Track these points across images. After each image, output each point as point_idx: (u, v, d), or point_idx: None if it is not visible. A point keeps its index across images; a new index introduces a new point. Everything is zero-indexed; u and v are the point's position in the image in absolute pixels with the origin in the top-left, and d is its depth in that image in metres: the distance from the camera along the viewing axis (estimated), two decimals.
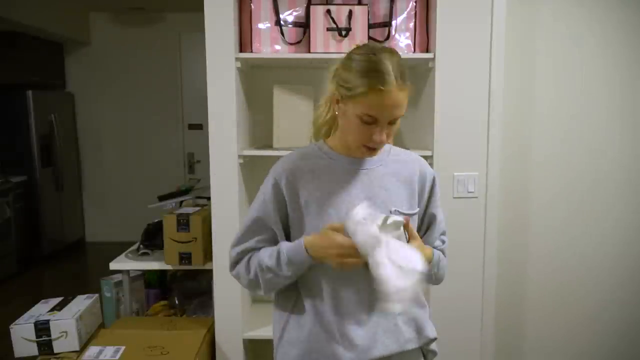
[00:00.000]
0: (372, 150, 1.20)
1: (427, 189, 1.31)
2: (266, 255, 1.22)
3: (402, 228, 1.13)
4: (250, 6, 1.95)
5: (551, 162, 2.29)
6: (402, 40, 2.00)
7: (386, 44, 1.98)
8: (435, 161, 1.98)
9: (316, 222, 1.20)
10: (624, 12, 2.21)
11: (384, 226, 1.09)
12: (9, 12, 4.30)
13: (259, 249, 1.26)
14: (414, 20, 1.99)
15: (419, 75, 2.18)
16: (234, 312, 2.04)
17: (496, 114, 1.99)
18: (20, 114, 4.88)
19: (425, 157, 1.99)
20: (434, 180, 1.32)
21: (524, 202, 2.30)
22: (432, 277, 1.31)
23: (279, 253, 1.20)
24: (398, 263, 1.04)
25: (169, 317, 2.29)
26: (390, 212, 1.21)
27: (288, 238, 1.25)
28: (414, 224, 1.26)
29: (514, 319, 2.37)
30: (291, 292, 1.27)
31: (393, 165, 1.28)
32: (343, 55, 1.21)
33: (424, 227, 1.34)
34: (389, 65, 1.10)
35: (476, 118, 1.99)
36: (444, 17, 1.92)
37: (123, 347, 1.92)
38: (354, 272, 1.15)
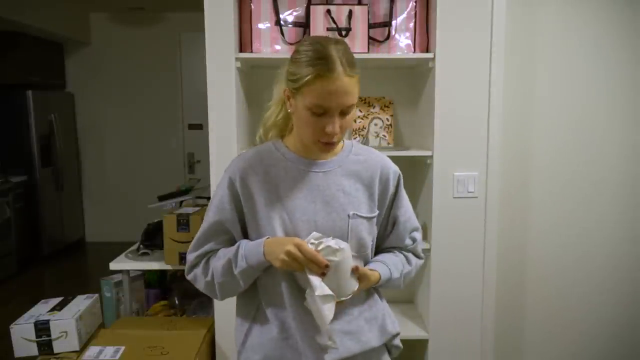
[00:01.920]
0: (328, 145, 1.13)
1: (391, 189, 1.25)
2: (225, 252, 1.19)
3: (338, 255, 1.08)
4: (250, 6, 1.95)
5: (551, 162, 2.29)
6: (402, 40, 2.00)
7: (386, 44, 1.99)
8: (435, 161, 1.98)
9: (269, 226, 1.16)
10: (623, 12, 2.21)
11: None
12: (9, 12, 4.30)
13: (217, 250, 1.22)
14: (414, 20, 1.99)
15: (419, 75, 2.19)
16: (234, 312, 2.03)
17: (496, 114, 1.99)
18: (20, 114, 4.88)
19: (425, 157, 2.01)
20: (398, 179, 1.27)
21: (524, 201, 2.30)
22: (389, 286, 1.26)
23: (238, 246, 1.17)
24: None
25: (169, 317, 2.29)
26: (349, 216, 1.18)
27: (247, 238, 1.22)
28: (373, 227, 1.23)
29: (514, 318, 2.36)
30: (252, 300, 1.24)
31: (352, 167, 1.22)
32: None
33: (388, 228, 1.29)
34: (334, 52, 1.07)
35: (476, 118, 1.99)
36: (444, 17, 1.92)
37: (123, 347, 1.91)
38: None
